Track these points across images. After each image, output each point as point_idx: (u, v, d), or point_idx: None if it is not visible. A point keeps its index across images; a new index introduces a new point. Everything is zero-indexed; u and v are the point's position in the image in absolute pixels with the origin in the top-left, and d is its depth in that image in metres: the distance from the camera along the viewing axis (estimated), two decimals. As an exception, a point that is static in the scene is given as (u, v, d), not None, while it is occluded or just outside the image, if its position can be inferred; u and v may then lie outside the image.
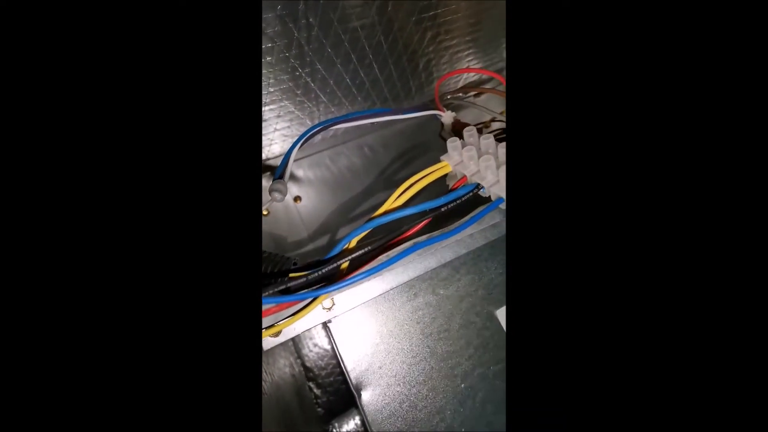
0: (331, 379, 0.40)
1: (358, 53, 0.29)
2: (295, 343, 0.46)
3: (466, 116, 0.40)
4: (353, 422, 0.22)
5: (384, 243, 0.18)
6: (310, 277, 0.17)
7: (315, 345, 0.41)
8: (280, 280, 0.16)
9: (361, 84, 0.33)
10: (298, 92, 0.30)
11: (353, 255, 0.17)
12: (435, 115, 0.25)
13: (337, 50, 0.28)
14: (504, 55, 0.41)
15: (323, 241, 0.36)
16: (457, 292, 0.21)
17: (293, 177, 0.38)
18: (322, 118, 0.36)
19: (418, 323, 0.21)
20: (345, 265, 0.17)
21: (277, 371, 0.34)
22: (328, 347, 0.41)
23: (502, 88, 0.44)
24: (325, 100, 0.33)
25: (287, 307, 0.17)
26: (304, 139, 0.22)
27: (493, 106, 0.42)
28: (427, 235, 0.18)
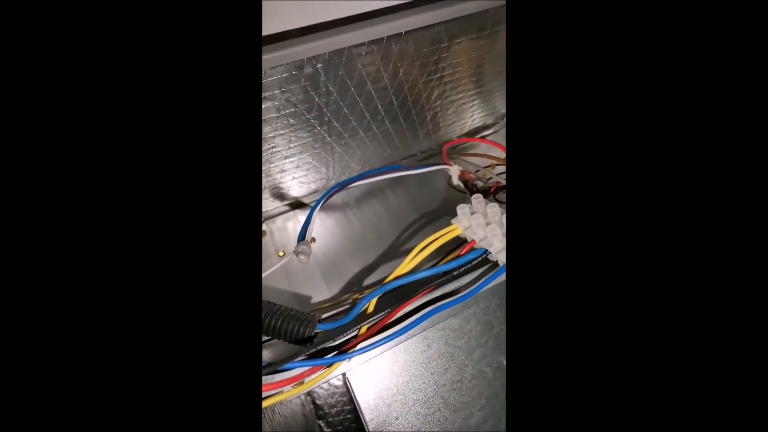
0: (341, 417, 0.40)
1: (371, 111, 0.31)
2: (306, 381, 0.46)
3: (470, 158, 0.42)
4: None
5: (399, 305, 0.19)
6: (336, 341, 0.18)
7: (326, 382, 0.41)
8: (309, 344, 0.17)
9: (374, 135, 0.35)
10: (316, 146, 0.33)
11: (373, 318, 0.18)
12: (443, 169, 0.27)
13: (352, 110, 0.30)
14: (502, 105, 0.43)
15: (336, 281, 0.38)
16: (468, 343, 0.23)
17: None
18: (336, 166, 0.38)
19: (432, 374, 0.22)
20: (364, 329, 0.19)
21: (286, 408, 0.35)
22: (339, 384, 0.41)
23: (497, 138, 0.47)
24: (339, 151, 0.35)
25: (317, 370, 0.18)
26: (324, 200, 0.24)
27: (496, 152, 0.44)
28: (442, 300, 0.20)
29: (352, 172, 0.40)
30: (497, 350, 0.23)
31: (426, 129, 0.38)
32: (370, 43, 0.24)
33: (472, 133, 0.45)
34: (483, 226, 0.20)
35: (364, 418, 0.20)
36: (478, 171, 0.36)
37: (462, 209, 0.21)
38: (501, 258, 0.19)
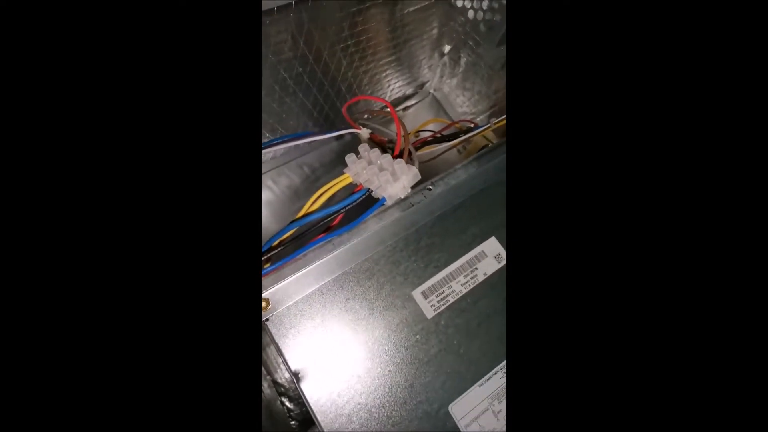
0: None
1: (279, 84, 0.33)
2: (265, 363, 0.48)
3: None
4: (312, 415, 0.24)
5: (303, 241, 0.21)
6: None
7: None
8: None
9: (289, 109, 0.36)
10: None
11: (276, 251, 0.20)
12: (353, 133, 0.29)
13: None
14: (421, 74, 0.46)
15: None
16: (378, 281, 0.25)
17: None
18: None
19: (346, 312, 0.24)
20: (268, 262, 0.21)
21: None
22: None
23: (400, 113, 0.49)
24: (259, 127, 0.36)
25: None
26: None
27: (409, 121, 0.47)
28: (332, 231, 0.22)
29: (278, 152, 0.42)
30: (405, 284, 0.25)
31: (344, 101, 0.40)
32: (264, 13, 0.26)
33: (395, 104, 0.47)
34: (366, 168, 0.22)
35: (286, 361, 0.22)
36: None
37: (350, 157, 0.23)
38: (379, 193, 0.21)
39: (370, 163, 0.22)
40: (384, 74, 0.41)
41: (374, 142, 0.32)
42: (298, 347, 0.23)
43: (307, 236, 0.21)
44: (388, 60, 0.39)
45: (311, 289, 0.24)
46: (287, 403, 0.49)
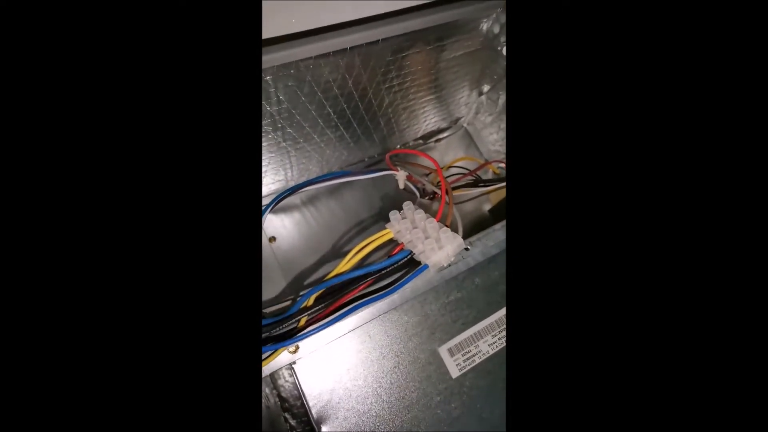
0: (305, 409, 0.42)
1: (323, 118, 0.33)
2: (272, 375, 0.48)
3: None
4: None
5: (336, 299, 0.21)
6: (272, 333, 0.20)
7: (291, 375, 0.43)
8: None
9: (329, 140, 0.37)
10: (271, 150, 0.34)
11: (309, 311, 0.21)
12: (391, 174, 0.29)
13: (304, 117, 0.32)
14: (457, 110, 0.46)
15: (295, 279, 0.40)
16: (405, 333, 0.25)
17: (270, 220, 0.41)
18: (295, 169, 0.40)
19: (372, 361, 0.24)
20: (303, 320, 0.21)
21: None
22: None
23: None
24: (295, 154, 0.36)
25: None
26: (274, 204, 0.26)
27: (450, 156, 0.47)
28: (372, 294, 0.22)
29: (311, 174, 0.42)
30: (431, 338, 0.25)
31: (381, 133, 0.40)
32: (317, 57, 0.26)
33: (427, 137, 0.48)
34: (410, 230, 0.22)
35: (307, 404, 0.22)
36: (428, 175, 0.39)
37: (394, 215, 0.23)
38: (422, 258, 0.21)
39: (414, 224, 0.22)
40: (422, 110, 0.41)
41: (410, 182, 0.32)
42: (322, 395, 0.23)
43: (341, 294, 0.22)
44: (428, 98, 0.39)
45: (339, 335, 0.24)
46: (290, 420, 0.49)
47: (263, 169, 0.36)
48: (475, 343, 0.25)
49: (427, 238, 0.21)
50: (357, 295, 0.22)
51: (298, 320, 0.21)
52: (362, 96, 0.33)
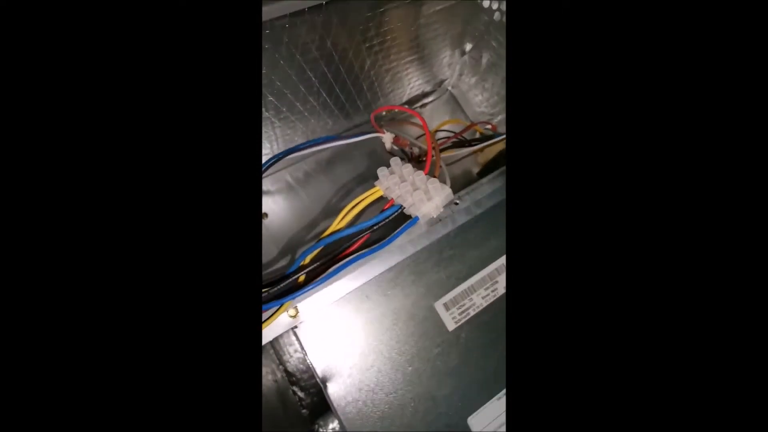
0: (314, 381, 0.43)
1: (305, 84, 0.32)
2: (276, 351, 0.49)
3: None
4: (337, 420, 0.25)
5: (332, 257, 0.21)
6: (271, 291, 0.20)
7: (295, 351, 0.44)
8: None
9: (312, 108, 0.36)
10: (253, 121, 0.33)
11: (307, 269, 0.21)
12: (377, 137, 0.28)
13: (285, 83, 0.31)
14: (440, 71, 0.45)
15: (290, 254, 0.40)
16: (402, 291, 0.25)
17: (256, 194, 0.41)
18: (280, 141, 0.39)
19: (371, 322, 0.25)
20: (302, 278, 0.21)
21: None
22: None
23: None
24: (280, 125, 0.36)
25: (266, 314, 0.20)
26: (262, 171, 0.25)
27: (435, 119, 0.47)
28: (366, 249, 0.22)
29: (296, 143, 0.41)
30: (427, 295, 0.26)
31: (365, 99, 0.40)
32: (293, 15, 0.25)
33: (413, 101, 0.47)
34: (398, 184, 0.22)
35: (312, 364, 0.23)
36: (418, 139, 0.38)
37: (382, 171, 0.23)
38: (412, 211, 0.22)
39: (402, 179, 0.22)
40: (405, 72, 0.40)
41: (398, 145, 0.32)
42: (325, 355, 0.24)
43: (337, 252, 0.22)
44: (410, 59, 0.38)
45: (338, 298, 0.24)
46: (298, 393, 0.50)
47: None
48: (468, 296, 0.26)
49: (415, 190, 0.21)
50: (352, 251, 0.22)
51: (297, 278, 0.21)
52: (342, 58, 0.32)
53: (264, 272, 0.37)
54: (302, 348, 0.24)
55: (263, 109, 0.32)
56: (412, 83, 0.43)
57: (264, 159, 0.41)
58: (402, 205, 0.22)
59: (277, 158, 0.25)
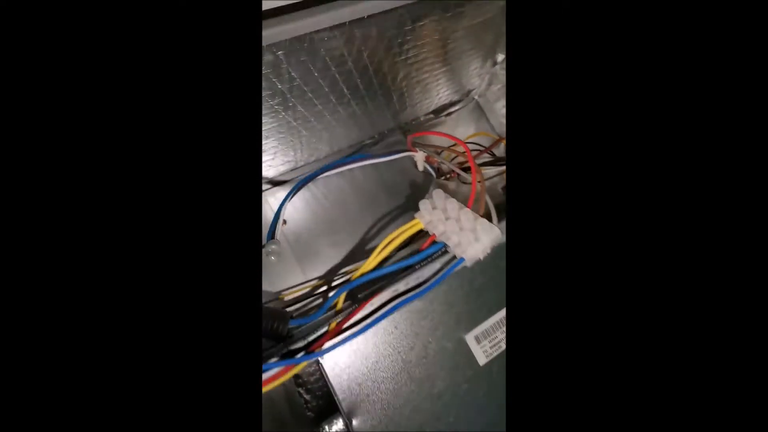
0: (320, 383, 0.42)
1: (336, 94, 0.31)
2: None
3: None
4: (342, 422, 0.25)
5: (366, 297, 0.20)
6: (307, 339, 0.19)
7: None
8: (282, 345, 0.18)
9: (340, 117, 0.35)
10: (282, 131, 0.32)
11: (341, 315, 0.20)
12: (410, 155, 0.27)
13: (317, 94, 0.29)
14: (469, 81, 0.43)
15: (309, 262, 0.39)
16: (431, 322, 0.24)
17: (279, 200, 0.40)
18: (304, 149, 0.38)
19: (399, 352, 0.24)
20: (333, 324, 0.20)
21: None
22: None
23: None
24: (306, 134, 0.34)
25: (291, 369, 0.20)
26: (291, 195, 0.24)
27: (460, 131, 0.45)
28: (404, 294, 0.21)
29: (320, 154, 0.40)
30: (457, 327, 0.25)
31: (393, 108, 0.38)
32: (332, 28, 0.24)
33: (439, 111, 0.45)
34: (442, 221, 0.21)
35: (338, 398, 0.22)
36: (441, 152, 0.37)
37: (424, 205, 0.22)
38: (458, 252, 0.20)
39: (446, 214, 0.21)
40: (435, 83, 0.39)
41: (429, 163, 0.31)
42: (351, 388, 0.23)
43: (373, 291, 0.21)
44: (442, 70, 0.37)
45: (367, 328, 0.23)
46: (304, 395, 0.50)
47: (273, 152, 0.34)
48: (501, 328, 0.25)
49: (461, 229, 0.20)
50: (387, 293, 0.21)
51: (328, 325, 0.20)
52: (377, 70, 0.30)
53: (281, 285, 0.36)
54: (326, 378, 0.23)
55: (292, 119, 0.31)
56: (441, 93, 0.42)
57: (287, 167, 0.40)
58: (446, 244, 0.21)
59: (306, 180, 0.24)
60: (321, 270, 0.38)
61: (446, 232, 0.21)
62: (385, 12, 0.24)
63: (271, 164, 0.36)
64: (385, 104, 0.36)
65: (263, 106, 0.27)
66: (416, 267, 0.21)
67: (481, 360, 0.24)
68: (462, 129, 0.48)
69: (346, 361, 0.23)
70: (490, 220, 0.21)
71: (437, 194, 0.22)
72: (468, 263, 0.20)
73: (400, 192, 0.40)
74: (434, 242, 0.21)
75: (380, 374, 0.23)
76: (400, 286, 0.22)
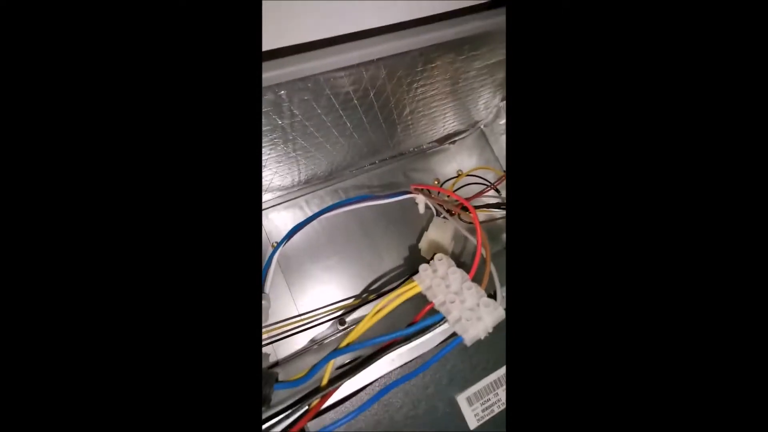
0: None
1: (339, 129, 0.30)
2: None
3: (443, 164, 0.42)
4: None
5: (356, 369, 0.19)
6: (288, 418, 0.18)
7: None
8: (263, 404, 0.17)
9: (341, 147, 0.34)
10: (280, 161, 0.31)
11: (327, 390, 0.18)
12: (410, 198, 0.26)
13: (318, 128, 0.28)
14: (477, 114, 0.43)
15: (301, 291, 0.38)
16: (422, 380, 0.24)
17: (271, 220, 0.39)
18: (302, 174, 0.37)
19: (387, 411, 0.23)
20: (316, 401, 0.19)
21: None
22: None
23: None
24: (304, 162, 0.33)
25: None
26: (286, 241, 0.23)
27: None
28: (397, 367, 0.20)
29: (318, 179, 0.39)
30: (449, 387, 0.24)
31: (396, 139, 0.37)
32: (340, 69, 0.23)
33: (443, 139, 0.45)
34: (443, 290, 0.20)
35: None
36: (440, 188, 0.36)
37: (425, 270, 0.21)
38: (457, 329, 0.20)
39: (447, 283, 0.20)
40: (442, 117, 0.38)
41: (430, 204, 0.30)
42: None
43: (361, 362, 0.19)
44: (450, 105, 0.36)
45: (354, 389, 0.22)
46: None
47: (270, 178, 0.33)
48: (494, 390, 0.24)
49: (462, 302, 0.19)
50: (379, 368, 0.20)
51: (309, 404, 0.19)
52: (383, 106, 0.29)
53: (276, 317, 0.35)
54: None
55: (291, 150, 0.30)
56: (447, 125, 0.41)
57: (283, 192, 0.39)
58: (446, 318, 0.20)
59: (306, 222, 0.23)
60: (312, 297, 0.37)
61: (446, 303, 0.20)
62: (396, 55, 0.23)
63: (267, 188, 0.35)
64: (388, 136, 0.35)
65: (262, 140, 0.26)
66: (411, 338, 0.20)
67: (472, 423, 0.23)
68: (465, 156, 0.47)
69: (331, 415, 0.22)
70: (493, 290, 0.20)
71: (439, 260, 0.21)
72: (467, 342, 0.19)
73: (399, 221, 0.39)
74: (433, 313, 0.20)
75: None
76: (393, 360, 0.21)
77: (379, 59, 0.23)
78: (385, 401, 0.23)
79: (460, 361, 0.24)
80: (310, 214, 0.39)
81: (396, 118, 0.32)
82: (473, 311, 0.19)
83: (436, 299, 0.20)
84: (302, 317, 0.33)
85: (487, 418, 0.24)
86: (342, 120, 0.29)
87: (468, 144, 0.48)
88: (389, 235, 0.40)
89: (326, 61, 0.22)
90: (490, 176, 0.44)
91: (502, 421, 0.24)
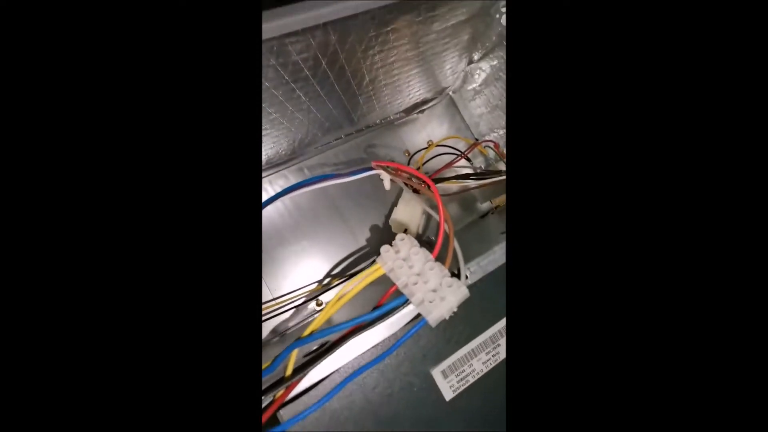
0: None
1: (293, 102, 0.28)
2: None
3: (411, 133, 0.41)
4: None
5: (321, 355, 0.19)
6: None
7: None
8: None
9: (300, 123, 0.32)
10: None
11: (292, 380, 0.18)
12: (376, 174, 0.25)
13: (269, 102, 0.26)
14: (444, 80, 0.41)
15: (271, 273, 0.37)
16: (396, 358, 0.23)
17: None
18: (263, 153, 0.35)
19: (362, 391, 0.23)
20: (281, 393, 0.18)
21: None
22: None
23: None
24: (263, 140, 0.31)
25: None
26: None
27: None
28: (372, 351, 0.20)
29: (281, 158, 0.37)
30: (423, 362, 0.24)
31: (360, 111, 0.36)
32: (282, 36, 0.21)
33: (410, 109, 0.43)
34: (405, 271, 0.19)
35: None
36: (407, 166, 0.35)
37: (386, 251, 0.20)
38: (421, 310, 0.19)
39: (409, 263, 0.19)
40: (407, 85, 0.36)
41: (396, 179, 0.29)
42: (309, 422, 0.22)
43: (323, 350, 0.19)
44: (414, 72, 0.34)
45: (329, 372, 0.22)
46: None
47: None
48: (468, 362, 0.24)
49: (425, 283, 0.19)
50: (342, 354, 0.19)
51: (273, 396, 0.18)
52: (338, 77, 0.28)
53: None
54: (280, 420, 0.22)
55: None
56: (412, 94, 0.39)
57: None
58: (409, 300, 0.19)
59: (273, 199, 0.21)
60: (282, 280, 0.36)
61: (409, 285, 0.19)
62: (344, 18, 0.21)
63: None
64: (350, 108, 0.34)
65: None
66: (377, 323, 0.19)
67: (448, 395, 0.24)
68: (435, 126, 0.46)
69: (305, 398, 0.22)
70: (457, 268, 0.19)
71: (401, 240, 0.20)
72: (432, 324, 0.19)
73: (367, 197, 0.39)
74: (397, 295, 0.20)
75: (342, 414, 0.22)
76: (363, 342, 0.20)
77: (325, 23, 0.21)
78: (359, 381, 0.22)
79: (433, 336, 0.24)
80: (278, 203, 0.37)
81: (356, 89, 0.30)
82: (436, 292, 0.19)
83: (399, 281, 0.19)
84: (275, 301, 0.32)
85: (462, 388, 0.24)
86: (296, 93, 0.27)
87: (437, 112, 0.47)
88: (361, 210, 0.39)
89: (268, 26, 0.19)
90: (461, 145, 0.43)
91: (478, 389, 0.24)
